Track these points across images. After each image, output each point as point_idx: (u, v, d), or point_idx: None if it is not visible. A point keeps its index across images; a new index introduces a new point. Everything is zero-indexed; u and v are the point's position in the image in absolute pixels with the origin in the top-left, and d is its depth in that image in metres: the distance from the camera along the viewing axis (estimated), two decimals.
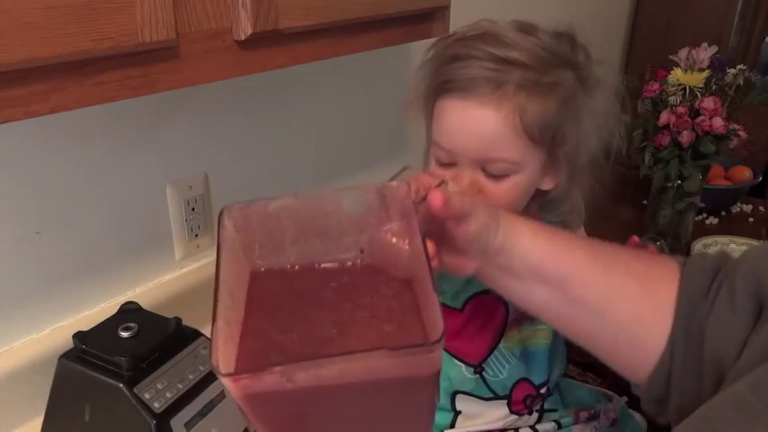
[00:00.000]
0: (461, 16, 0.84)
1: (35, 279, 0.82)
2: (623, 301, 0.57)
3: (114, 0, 0.50)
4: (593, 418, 0.86)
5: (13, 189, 0.77)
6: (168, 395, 0.73)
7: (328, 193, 0.52)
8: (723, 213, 1.60)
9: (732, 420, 0.45)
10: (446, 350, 0.81)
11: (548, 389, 0.85)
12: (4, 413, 0.79)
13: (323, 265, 0.51)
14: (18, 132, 0.75)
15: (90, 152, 0.84)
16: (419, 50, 0.78)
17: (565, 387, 0.90)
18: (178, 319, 0.80)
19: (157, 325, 0.79)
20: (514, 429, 0.84)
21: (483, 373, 0.82)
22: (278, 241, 0.51)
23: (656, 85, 1.30)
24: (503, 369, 0.82)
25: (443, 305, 0.72)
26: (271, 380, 0.37)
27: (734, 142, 1.29)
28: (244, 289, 0.48)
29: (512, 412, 0.83)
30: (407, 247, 0.49)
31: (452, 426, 0.84)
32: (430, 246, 0.51)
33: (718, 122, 1.23)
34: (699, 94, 1.25)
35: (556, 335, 0.84)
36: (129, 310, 0.82)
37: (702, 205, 1.48)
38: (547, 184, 0.76)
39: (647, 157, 1.32)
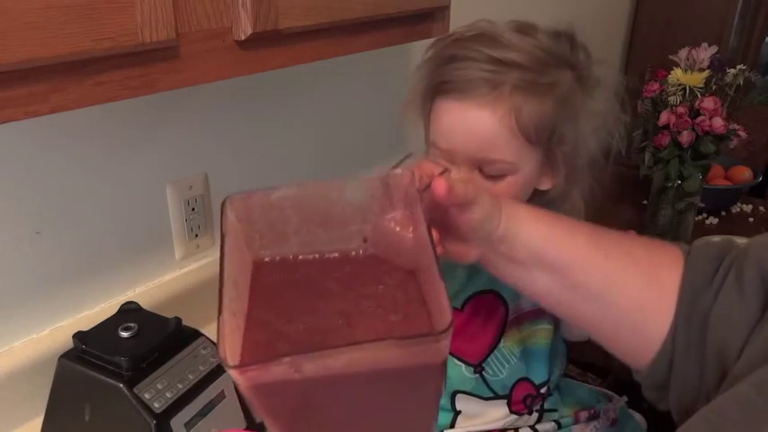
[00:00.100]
0: (461, 16, 0.84)
1: (35, 279, 0.82)
2: (625, 288, 0.57)
3: (114, 0, 0.50)
4: (593, 418, 0.86)
5: (13, 189, 0.77)
6: (168, 395, 0.73)
7: (331, 182, 0.51)
8: (723, 213, 1.60)
9: (737, 421, 0.45)
10: None
11: (548, 388, 0.85)
12: (4, 413, 0.79)
13: (326, 256, 0.51)
14: (18, 132, 0.75)
15: (90, 152, 0.84)
16: (419, 50, 0.78)
17: (565, 387, 0.90)
18: (178, 319, 0.80)
19: (157, 325, 0.79)
20: (514, 429, 0.84)
21: (483, 372, 0.82)
22: (280, 231, 0.50)
23: (656, 85, 1.30)
24: (503, 369, 0.82)
25: None
26: (279, 370, 0.37)
27: (734, 142, 1.29)
28: (247, 280, 0.48)
29: (512, 412, 0.83)
30: (411, 235, 0.49)
31: (452, 425, 0.84)
32: (434, 233, 0.51)
33: (718, 122, 1.24)
34: (699, 94, 1.25)
35: (556, 334, 0.84)
36: (129, 310, 0.82)
37: (702, 205, 1.48)
38: (545, 185, 0.76)
39: (647, 157, 1.32)
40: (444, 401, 0.83)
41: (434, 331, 0.39)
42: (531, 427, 0.84)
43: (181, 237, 0.98)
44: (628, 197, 1.62)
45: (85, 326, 0.78)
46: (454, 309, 0.81)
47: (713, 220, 1.56)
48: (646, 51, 2.16)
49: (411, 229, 0.49)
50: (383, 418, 0.45)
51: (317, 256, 0.51)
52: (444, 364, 0.41)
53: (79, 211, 0.84)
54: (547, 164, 0.74)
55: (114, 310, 0.82)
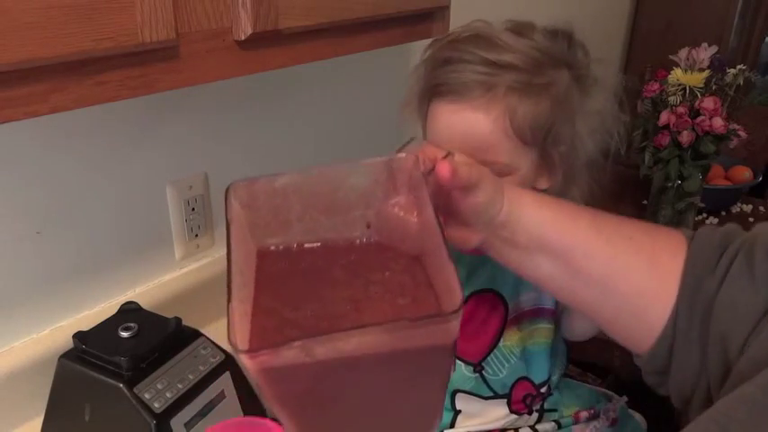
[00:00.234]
0: (461, 16, 0.84)
1: (35, 279, 0.82)
2: (627, 273, 0.57)
3: (114, 0, 0.51)
4: (593, 418, 0.86)
5: (13, 189, 0.77)
6: (168, 395, 0.73)
7: (335, 167, 0.51)
8: (723, 213, 1.59)
9: (743, 421, 0.45)
10: None
11: (548, 388, 0.85)
12: (4, 413, 0.79)
13: (329, 244, 0.51)
14: (18, 132, 0.75)
15: (90, 152, 0.84)
16: (419, 50, 0.78)
17: (565, 387, 0.90)
18: (178, 319, 0.80)
19: (157, 325, 0.79)
20: (514, 429, 0.84)
21: (483, 371, 0.82)
22: (284, 218, 0.50)
23: (655, 85, 1.30)
24: (502, 368, 0.82)
25: None
26: (290, 355, 0.37)
27: (734, 142, 1.29)
28: (252, 268, 0.48)
29: (512, 411, 0.83)
30: (415, 219, 0.49)
31: (452, 425, 0.84)
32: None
33: (718, 122, 1.24)
34: (699, 94, 1.25)
35: (556, 334, 0.84)
36: (129, 310, 0.82)
37: (702, 205, 1.48)
38: (542, 185, 0.76)
39: (647, 157, 1.32)
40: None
41: (445, 311, 0.39)
42: (531, 426, 0.84)
43: (181, 237, 0.98)
44: (628, 197, 1.62)
45: (85, 326, 0.78)
46: None
47: (713, 221, 1.55)
48: (646, 51, 2.16)
49: (415, 213, 0.49)
50: (393, 403, 0.44)
51: (320, 244, 0.51)
52: (455, 346, 0.40)
53: (79, 211, 0.84)
54: (544, 164, 0.74)
55: (114, 310, 0.82)
